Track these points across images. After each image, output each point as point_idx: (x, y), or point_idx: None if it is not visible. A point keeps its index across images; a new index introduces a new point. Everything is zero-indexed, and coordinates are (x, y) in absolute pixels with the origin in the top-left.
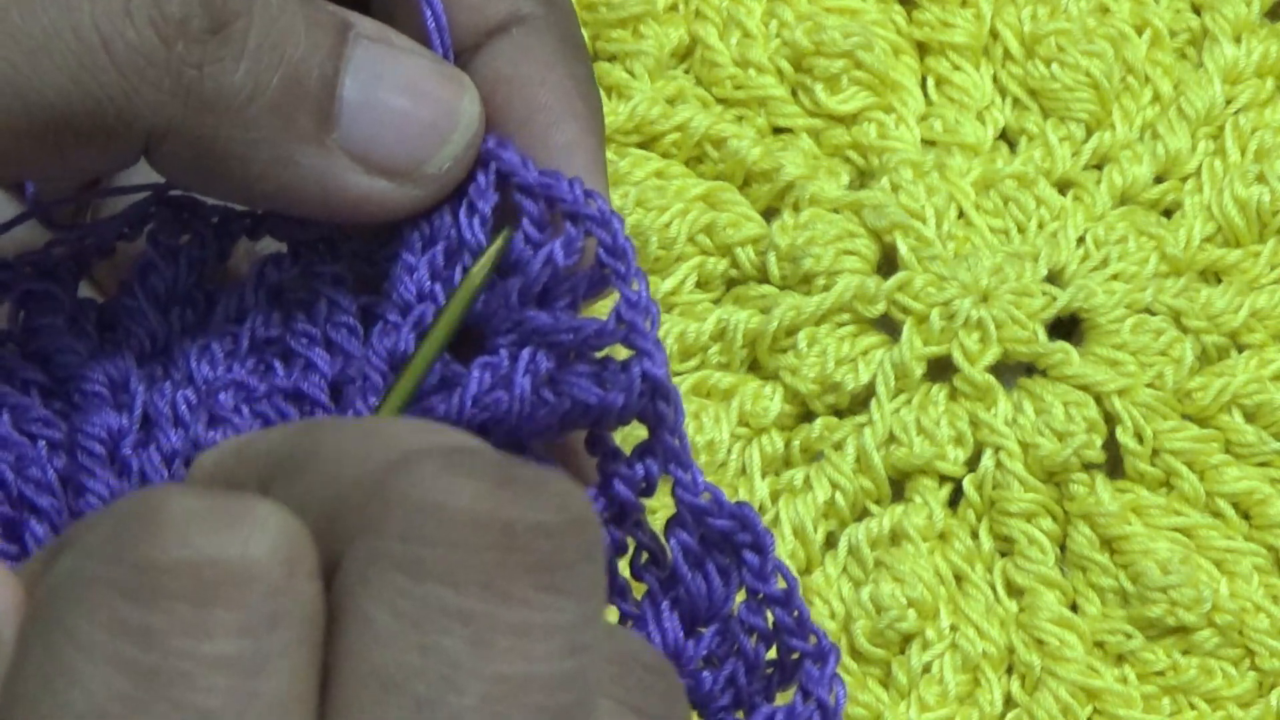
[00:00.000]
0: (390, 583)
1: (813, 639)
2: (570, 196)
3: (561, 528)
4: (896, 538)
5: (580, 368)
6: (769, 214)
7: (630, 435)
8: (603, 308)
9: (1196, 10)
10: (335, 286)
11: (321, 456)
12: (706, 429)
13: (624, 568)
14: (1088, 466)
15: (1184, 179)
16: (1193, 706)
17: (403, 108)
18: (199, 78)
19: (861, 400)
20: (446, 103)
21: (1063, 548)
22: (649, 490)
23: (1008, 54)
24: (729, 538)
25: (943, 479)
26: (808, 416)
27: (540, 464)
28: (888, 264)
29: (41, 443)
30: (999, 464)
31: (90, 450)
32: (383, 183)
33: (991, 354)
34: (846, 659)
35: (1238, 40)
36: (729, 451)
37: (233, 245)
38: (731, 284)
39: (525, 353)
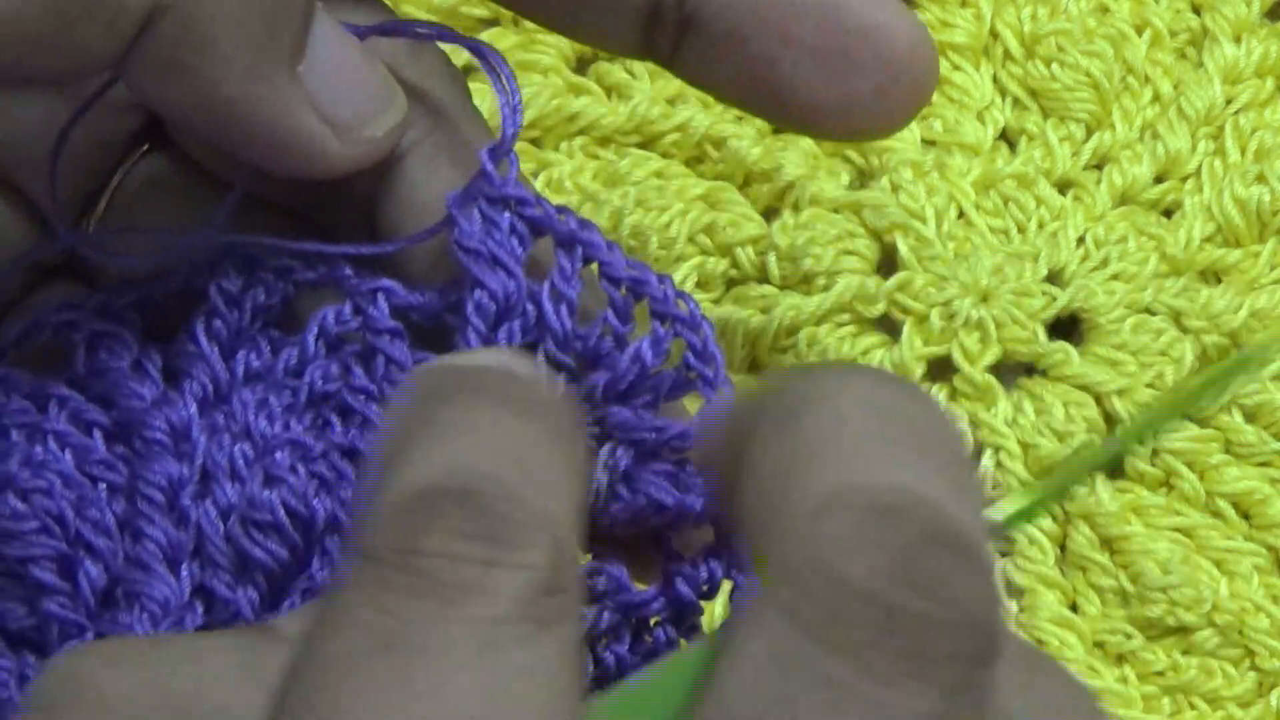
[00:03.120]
0: (773, 625)
1: None
2: (661, 295)
3: (948, 623)
4: None
5: (657, 467)
6: (769, 214)
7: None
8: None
9: (1196, 10)
10: (395, 342)
11: (800, 439)
12: None
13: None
14: None
15: (1184, 179)
16: (1193, 706)
17: (355, 65)
18: None
19: None
20: (387, 77)
21: (1063, 548)
22: (711, 593)
23: (1008, 54)
24: None
25: None
26: None
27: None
28: (888, 264)
29: (102, 485)
30: (999, 464)
31: (150, 498)
32: (327, 131)
33: (991, 354)
34: None
35: (1238, 40)
36: None
37: (296, 294)
38: (731, 284)
39: (605, 448)
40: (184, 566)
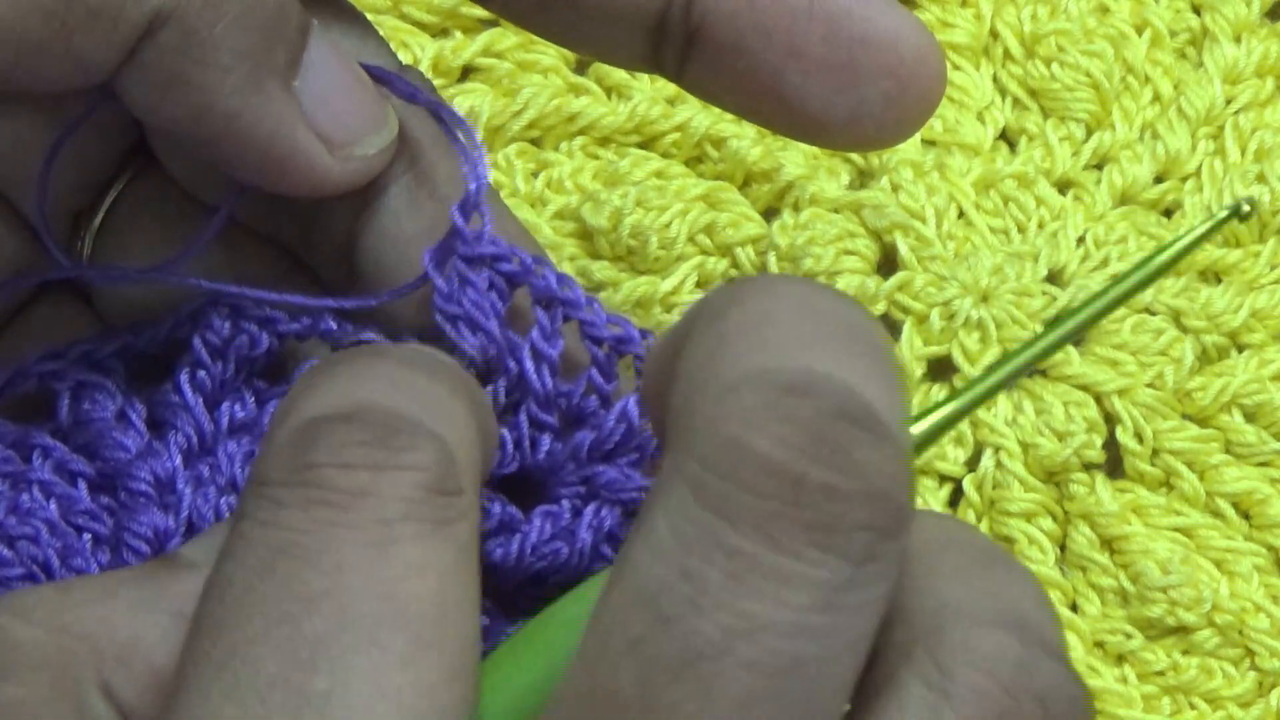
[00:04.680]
0: (679, 501)
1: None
2: (645, 352)
3: (853, 494)
4: None
5: None
6: (769, 214)
7: None
8: None
9: (1196, 10)
10: None
11: (721, 333)
12: None
13: None
14: (1088, 466)
15: (1184, 179)
16: (1193, 706)
17: (348, 83)
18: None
19: None
20: (379, 98)
21: (1063, 548)
22: None
23: (1008, 54)
24: None
25: (943, 479)
26: None
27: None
28: (888, 264)
29: (87, 536)
30: (999, 464)
31: (136, 550)
32: (320, 147)
33: (991, 354)
34: None
35: (1238, 40)
36: None
37: (281, 345)
38: None
39: (591, 508)
40: None
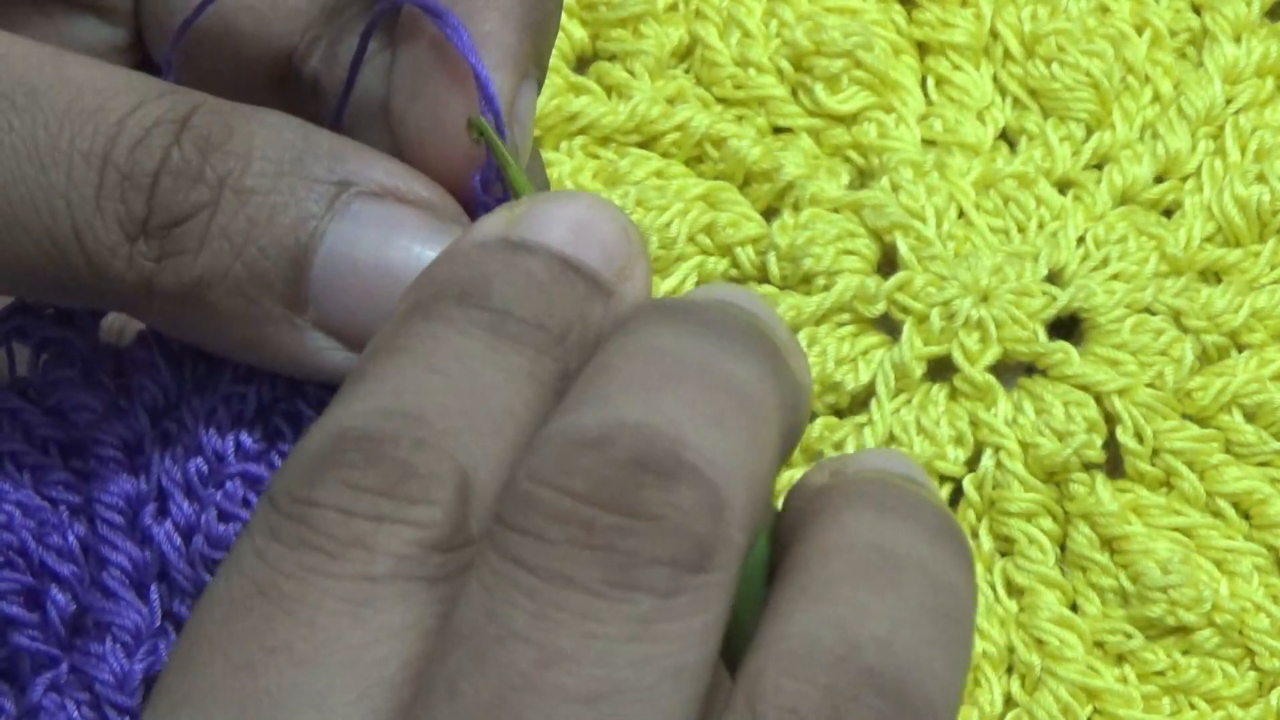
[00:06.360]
0: (486, 559)
1: None
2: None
3: (644, 532)
4: None
5: None
6: (769, 214)
7: None
8: None
9: (1196, 10)
10: None
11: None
12: None
13: None
14: (1088, 466)
15: (1184, 179)
16: (1193, 706)
17: (382, 285)
18: (158, 270)
19: (861, 400)
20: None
21: (1063, 548)
22: None
23: (1008, 54)
24: None
25: (943, 479)
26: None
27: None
28: (888, 264)
29: (63, 508)
30: (999, 464)
31: (110, 521)
32: (357, 355)
33: (991, 354)
34: None
35: (1238, 40)
36: None
37: None
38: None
39: None
40: (152, 589)
